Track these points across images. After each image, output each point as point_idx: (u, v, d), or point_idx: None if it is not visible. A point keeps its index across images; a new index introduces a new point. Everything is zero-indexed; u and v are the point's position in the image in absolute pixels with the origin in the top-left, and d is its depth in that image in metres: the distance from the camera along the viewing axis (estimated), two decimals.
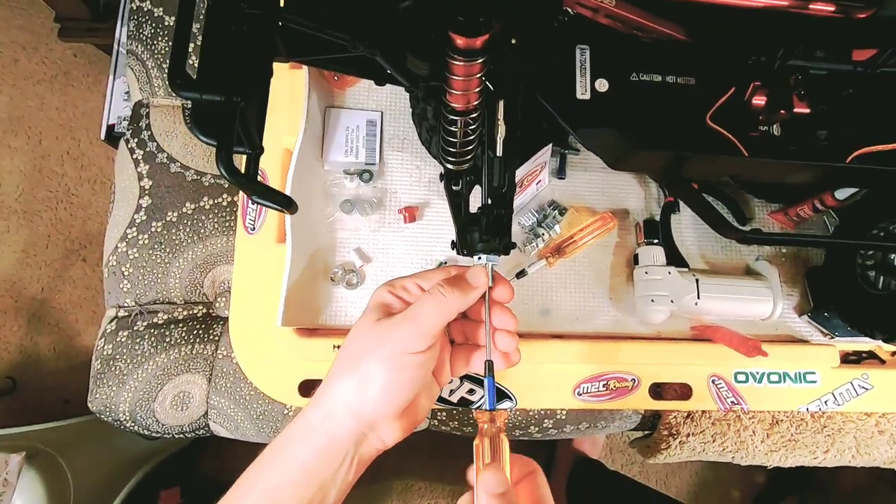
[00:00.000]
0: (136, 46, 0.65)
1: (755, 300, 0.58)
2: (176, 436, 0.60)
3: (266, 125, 0.60)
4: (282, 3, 0.33)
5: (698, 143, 0.46)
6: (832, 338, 0.60)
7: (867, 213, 0.57)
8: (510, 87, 0.41)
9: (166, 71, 0.65)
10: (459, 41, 0.33)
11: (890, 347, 0.63)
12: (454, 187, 0.48)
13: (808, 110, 0.42)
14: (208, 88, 0.31)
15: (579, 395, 0.57)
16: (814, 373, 0.59)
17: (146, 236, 0.60)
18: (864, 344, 0.62)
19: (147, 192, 0.61)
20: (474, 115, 0.39)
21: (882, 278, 0.54)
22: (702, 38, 0.45)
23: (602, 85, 0.47)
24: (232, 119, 0.30)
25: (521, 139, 0.49)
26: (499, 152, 0.41)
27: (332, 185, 0.61)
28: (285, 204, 0.33)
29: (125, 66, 0.67)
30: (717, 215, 0.43)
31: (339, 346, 0.56)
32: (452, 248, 0.48)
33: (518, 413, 0.60)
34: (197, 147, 0.63)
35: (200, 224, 0.61)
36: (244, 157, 0.35)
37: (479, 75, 0.35)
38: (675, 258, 0.60)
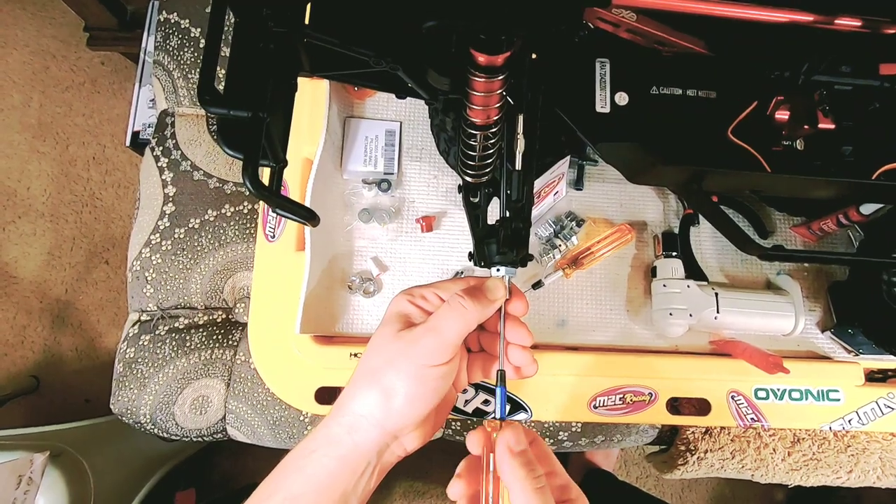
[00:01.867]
0: (163, 57, 0.67)
1: (776, 315, 0.57)
2: (194, 439, 0.61)
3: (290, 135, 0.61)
4: (307, 20, 0.34)
5: (719, 158, 0.45)
6: (856, 355, 0.59)
7: (894, 228, 0.55)
8: (530, 101, 0.42)
9: (192, 81, 0.66)
10: (481, 58, 0.33)
11: None
12: (472, 199, 0.49)
13: (832, 126, 0.41)
14: (235, 104, 0.31)
15: (595, 408, 0.57)
16: (837, 390, 0.58)
17: (169, 242, 0.62)
18: (890, 362, 0.60)
19: (171, 199, 0.63)
20: (494, 130, 0.39)
21: None
22: (724, 52, 0.45)
23: (622, 98, 0.47)
24: (258, 134, 0.31)
25: (539, 151, 0.49)
26: (518, 166, 0.41)
27: (351, 194, 0.62)
28: (308, 217, 0.33)
29: (151, 75, 0.69)
30: (738, 231, 0.43)
31: (356, 355, 0.56)
32: (469, 259, 0.48)
33: (532, 425, 0.60)
34: (219, 156, 0.64)
35: (222, 231, 0.62)
36: (268, 169, 0.36)
37: (499, 91, 0.36)
38: (694, 271, 0.59)
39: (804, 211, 0.60)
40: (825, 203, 0.57)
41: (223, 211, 0.63)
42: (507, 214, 0.43)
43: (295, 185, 0.60)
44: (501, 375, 0.42)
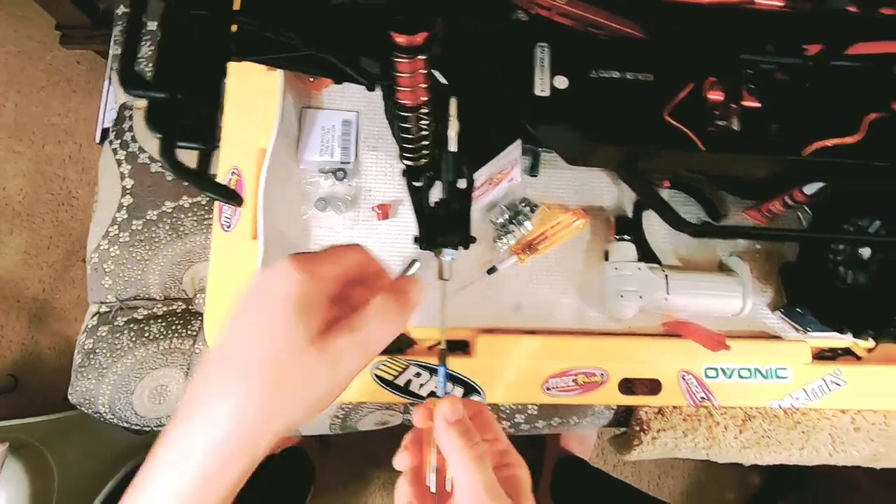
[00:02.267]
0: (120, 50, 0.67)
1: (725, 296, 0.58)
2: (155, 428, 0.62)
3: (243, 126, 0.62)
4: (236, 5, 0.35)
5: (654, 138, 0.46)
6: (805, 333, 0.60)
7: (839, 208, 0.57)
8: (465, 82, 0.42)
9: (149, 75, 0.67)
10: (400, 39, 0.34)
11: (865, 344, 0.62)
12: (415, 183, 0.50)
13: (758, 104, 0.42)
14: (154, 87, 0.32)
15: (548, 389, 0.58)
16: (785, 368, 0.59)
17: (127, 234, 0.62)
18: (839, 341, 0.62)
19: (129, 191, 0.63)
20: (425, 112, 0.40)
21: (849, 272, 0.54)
22: (657, 34, 0.46)
23: (561, 82, 0.48)
24: (174, 115, 0.32)
25: (487, 137, 0.50)
26: (452, 147, 0.42)
27: (307, 183, 0.63)
28: (228, 196, 0.34)
29: (111, 69, 0.69)
30: (668, 209, 0.43)
31: None
32: (415, 243, 0.49)
33: (489, 408, 0.61)
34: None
35: (180, 222, 0.63)
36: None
37: (423, 71, 0.36)
38: (646, 254, 0.60)
39: (754, 194, 0.61)
40: (771, 185, 0.58)
41: (181, 202, 0.63)
42: (447, 196, 0.44)
43: (250, 176, 0.61)
44: (443, 354, 0.43)
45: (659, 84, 0.48)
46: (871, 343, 0.62)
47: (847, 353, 0.63)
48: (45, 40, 1.35)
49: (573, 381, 0.58)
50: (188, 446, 0.27)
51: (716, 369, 0.59)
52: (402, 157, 0.46)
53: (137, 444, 0.80)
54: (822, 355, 0.62)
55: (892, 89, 0.45)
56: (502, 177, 0.61)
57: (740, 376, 0.58)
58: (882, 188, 0.50)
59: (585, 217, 0.62)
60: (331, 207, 0.62)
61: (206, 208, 0.64)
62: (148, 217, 0.63)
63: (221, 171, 0.61)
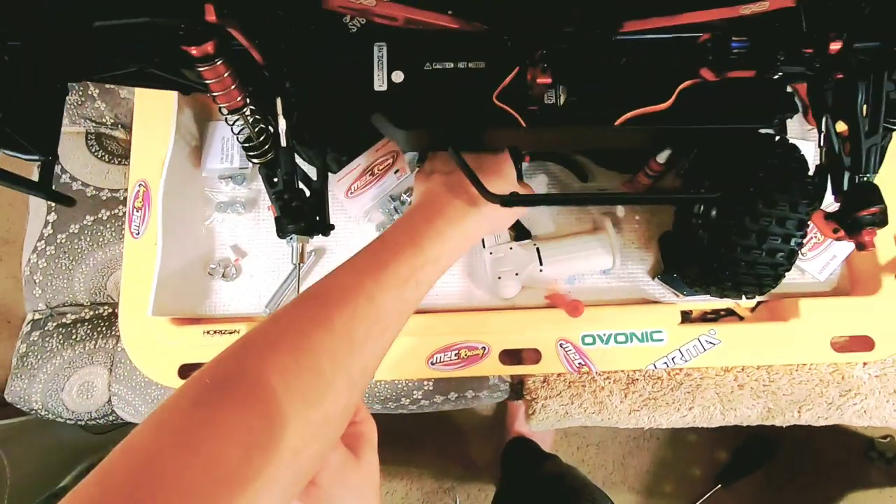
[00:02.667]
0: None
1: (595, 254, 0.61)
2: (88, 422, 0.68)
3: (148, 141, 0.68)
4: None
5: (485, 120, 0.50)
6: (682, 298, 0.62)
7: (695, 175, 0.59)
8: (295, 76, 0.47)
9: (69, 102, 0.73)
10: (193, 51, 0.38)
11: (748, 304, 0.64)
12: (274, 179, 0.54)
13: (549, 80, 0.45)
14: None
15: (433, 364, 0.61)
16: (660, 331, 0.61)
17: (53, 247, 0.68)
18: (719, 302, 0.64)
19: (53, 208, 0.70)
20: (247, 112, 0.45)
21: (705, 235, 0.56)
22: (470, 23, 0.49)
23: (398, 76, 0.52)
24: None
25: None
26: (283, 143, 0.47)
27: (210, 189, 0.68)
28: (55, 198, 0.39)
29: None
30: (477, 181, 0.47)
31: (209, 332, 0.62)
32: (278, 234, 0.54)
33: (387, 385, 0.65)
34: (95, 167, 0.71)
35: (100, 234, 0.69)
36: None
37: (228, 75, 0.41)
38: (519, 232, 0.64)
39: (618, 166, 0.64)
40: (631, 158, 0.61)
41: (100, 216, 0.69)
42: (282, 188, 0.49)
43: (155, 185, 0.66)
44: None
45: (489, 71, 0.52)
46: (752, 303, 0.64)
47: (731, 314, 0.64)
48: None
49: (456, 354, 0.62)
50: None
51: (592, 336, 0.61)
52: (250, 159, 0.51)
53: (95, 443, 0.86)
54: (706, 318, 0.64)
55: (700, 58, 0.48)
56: (385, 169, 0.65)
57: (616, 341, 0.61)
58: (698, 147, 0.53)
59: None
60: (231, 210, 0.67)
61: (124, 220, 0.70)
62: (71, 230, 0.69)
63: (131, 184, 0.66)
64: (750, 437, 1.20)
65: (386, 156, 0.64)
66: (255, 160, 0.51)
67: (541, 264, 0.61)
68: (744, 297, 0.54)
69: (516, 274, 0.61)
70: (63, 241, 0.69)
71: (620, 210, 0.66)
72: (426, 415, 0.75)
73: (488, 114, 0.50)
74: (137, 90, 0.69)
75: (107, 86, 0.74)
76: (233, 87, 0.42)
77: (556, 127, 0.49)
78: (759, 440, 1.20)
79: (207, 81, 0.41)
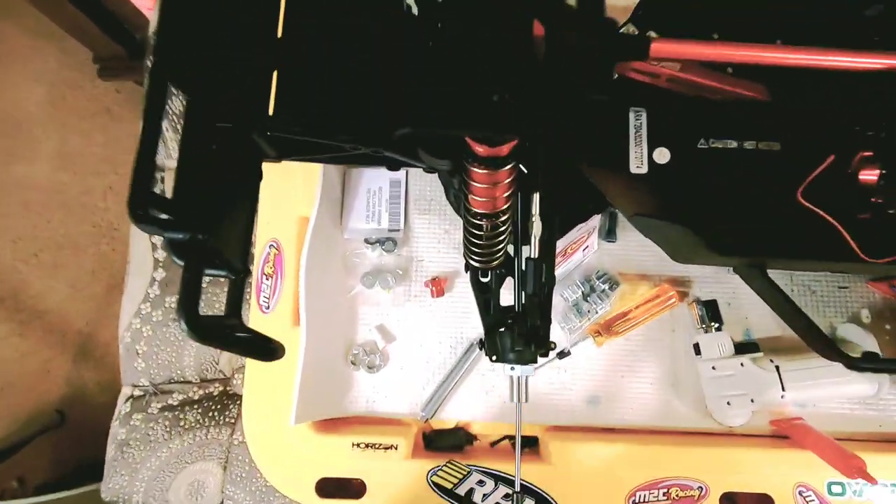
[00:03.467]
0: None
1: (853, 379, 0.48)
2: None
3: (281, 192, 0.56)
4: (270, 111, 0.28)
5: (787, 235, 0.37)
6: None
7: None
8: (549, 176, 0.34)
9: (180, 133, 0.61)
10: (479, 149, 0.26)
11: None
12: (482, 279, 0.42)
13: (875, 176, 0.32)
14: (172, 224, 0.25)
15: None
16: None
17: (160, 312, 0.57)
18: None
19: (161, 264, 0.58)
20: (503, 218, 0.32)
21: None
22: (791, 100, 0.36)
23: (662, 155, 0.39)
24: (197, 263, 0.25)
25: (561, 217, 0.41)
26: (534, 253, 0.34)
27: (353, 255, 0.56)
28: (266, 353, 0.27)
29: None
30: (821, 336, 0.34)
31: (358, 445, 0.50)
32: (480, 349, 0.41)
33: None
34: None
35: (215, 298, 0.57)
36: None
37: (507, 181, 0.28)
38: (742, 343, 0.51)
39: None
40: None
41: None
42: (522, 309, 0.36)
43: (290, 248, 0.54)
44: (517, 498, 0.36)
45: (787, 155, 0.38)
46: None
47: None
48: (83, 69, 1.34)
49: (664, 494, 0.49)
50: None
51: (842, 484, 0.48)
52: (467, 256, 0.39)
53: None
54: None
55: None
56: (577, 246, 0.52)
57: (874, 493, 0.48)
58: None
59: (676, 295, 0.52)
60: (379, 283, 0.54)
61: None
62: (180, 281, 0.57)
63: (259, 245, 0.54)
64: None
65: (583, 234, 0.51)
66: (477, 264, 0.38)
67: (783, 390, 0.48)
68: None
69: (752, 401, 0.48)
70: (172, 305, 0.57)
71: (866, 315, 0.52)
72: None
73: (793, 217, 0.37)
74: None
75: None
76: (505, 193, 0.29)
77: None
78: None
79: (476, 185, 0.28)
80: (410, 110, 0.22)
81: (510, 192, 0.30)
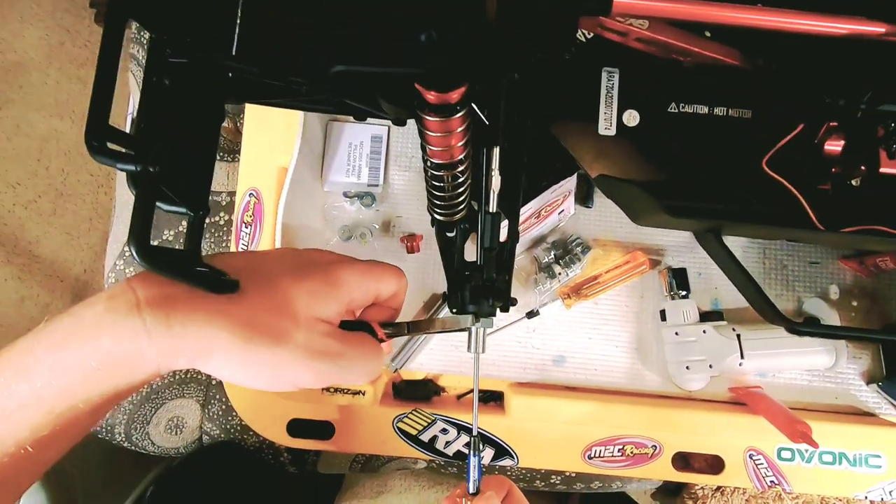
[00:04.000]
0: (137, 50, 0.62)
1: (812, 350, 0.49)
2: (174, 455, 0.59)
3: (261, 142, 0.56)
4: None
5: (747, 200, 0.37)
6: None
7: None
8: (510, 129, 0.34)
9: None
10: (430, 96, 0.26)
11: None
12: (448, 234, 0.42)
13: (838, 147, 0.32)
14: (125, 156, 0.26)
15: (590, 458, 0.51)
16: (879, 456, 0.50)
17: None
18: None
19: None
20: (461, 168, 0.33)
21: None
22: (765, 66, 0.36)
23: (632, 118, 0.39)
24: (148, 193, 0.26)
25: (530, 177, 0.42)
26: (492, 208, 0.35)
27: (331, 208, 0.56)
28: (220, 287, 0.28)
29: (128, 70, 0.64)
30: (765, 300, 0.35)
31: (328, 389, 0.52)
32: (443, 302, 0.42)
33: (521, 469, 0.55)
34: None
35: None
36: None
37: (460, 129, 0.29)
38: (708, 312, 0.51)
39: None
40: None
41: None
42: (482, 262, 0.37)
43: (270, 197, 0.55)
44: (475, 442, 0.38)
45: (757, 123, 0.38)
46: None
47: None
48: (82, 13, 1.32)
49: (619, 450, 0.51)
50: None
51: (791, 450, 0.50)
52: (431, 210, 0.39)
53: None
54: None
55: None
56: (552, 209, 0.53)
57: (821, 461, 0.50)
58: None
59: (647, 262, 0.53)
60: (356, 237, 0.55)
61: (225, 229, 0.59)
62: (164, 237, 0.59)
63: (239, 193, 0.55)
64: None
65: (558, 196, 0.51)
66: (442, 217, 0.39)
67: (741, 357, 0.49)
68: None
69: (710, 366, 0.49)
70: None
71: (834, 291, 0.53)
72: None
73: (755, 185, 0.37)
74: None
75: None
76: (460, 142, 0.30)
77: (861, 227, 0.36)
78: None
79: (430, 133, 0.28)
80: (344, 48, 0.22)
81: (465, 140, 0.30)
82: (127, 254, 0.58)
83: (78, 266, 1.26)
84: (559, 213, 0.54)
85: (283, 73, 0.26)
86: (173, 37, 0.26)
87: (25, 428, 0.24)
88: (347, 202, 0.56)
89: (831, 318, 0.49)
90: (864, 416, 0.51)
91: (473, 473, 0.37)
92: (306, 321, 0.28)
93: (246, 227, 0.55)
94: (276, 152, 0.55)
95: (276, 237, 0.52)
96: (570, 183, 0.51)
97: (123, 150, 0.27)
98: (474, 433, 0.37)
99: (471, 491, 0.37)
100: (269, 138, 0.55)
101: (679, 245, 0.54)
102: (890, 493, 0.49)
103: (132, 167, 0.26)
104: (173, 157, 0.28)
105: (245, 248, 0.55)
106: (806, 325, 0.34)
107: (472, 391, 0.56)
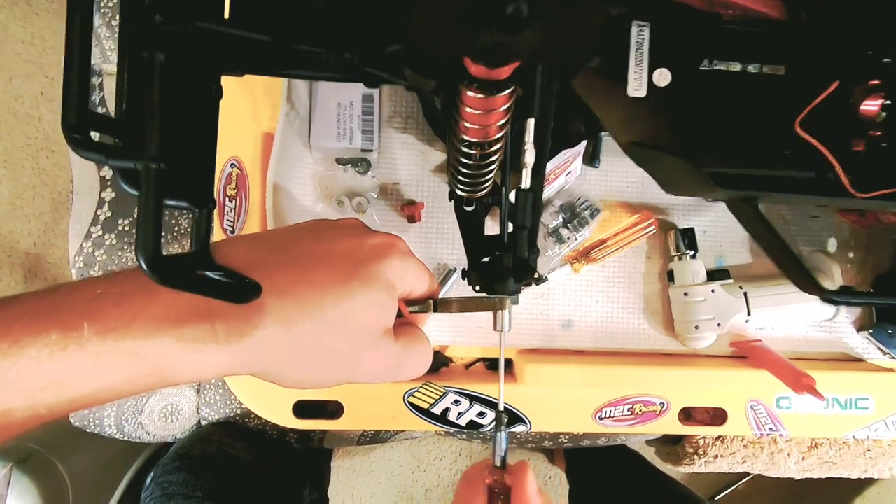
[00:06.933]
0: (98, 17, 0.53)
1: (815, 304, 0.50)
2: (170, 442, 0.57)
3: (242, 105, 0.50)
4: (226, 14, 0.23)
5: (780, 165, 0.35)
6: (892, 358, 0.53)
7: None
8: (544, 97, 0.31)
9: (117, 32, 0.53)
10: (475, 69, 0.22)
11: None
12: (466, 208, 0.40)
13: (876, 107, 0.31)
14: (120, 151, 0.22)
15: (601, 419, 0.52)
16: (867, 398, 0.53)
17: (113, 235, 0.53)
18: None
19: (109, 183, 0.53)
20: (496, 147, 0.30)
21: None
22: (808, 19, 0.33)
23: (663, 77, 0.36)
24: (156, 199, 0.22)
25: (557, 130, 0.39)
26: (525, 184, 0.32)
27: (322, 176, 0.52)
28: (245, 294, 0.25)
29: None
30: (801, 270, 0.34)
31: None
32: (463, 278, 0.40)
33: (531, 434, 0.56)
34: None
35: (174, 221, 0.53)
36: None
37: (504, 108, 0.25)
38: (714, 270, 0.52)
39: None
40: None
41: None
42: (510, 240, 0.35)
43: (254, 168, 0.50)
44: (499, 418, 0.37)
45: (791, 80, 0.36)
46: None
47: None
48: None
49: (629, 409, 0.52)
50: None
51: (789, 398, 0.52)
52: (452, 184, 0.36)
53: None
54: None
55: None
56: (560, 171, 0.50)
57: (815, 407, 0.52)
58: None
59: (655, 223, 0.52)
60: (350, 207, 0.52)
61: None
62: (136, 215, 0.53)
63: (218, 165, 0.50)
64: None
65: (567, 158, 0.49)
66: (465, 193, 0.36)
67: (748, 314, 0.50)
68: None
69: (718, 324, 0.50)
70: (126, 228, 0.53)
71: (832, 244, 0.54)
72: None
73: (790, 154, 0.36)
74: None
75: None
76: (499, 122, 0.26)
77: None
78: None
79: (469, 110, 0.25)
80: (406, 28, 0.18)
81: (506, 119, 0.27)
82: (95, 235, 0.53)
83: (27, 238, 1.16)
84: (566, 175, 0.52)
85: (307, 41, 0.22)
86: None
87: (43, 405, 0.22)
88: (340, 169, 0.52)
89: (834, 272, 0.50)
90: (854, 361, 0.54)
91: (501, 448, 0.37)
92: (368, 338, 0.27)
93: (230, 202, 0.50)
94: (259, 116, 0.49)
95: (267, 215, 0.48)
96: (582, 144, 0.49)
97: (112, 143, 0.23)
98: (500, 408, 0.37)
99: (497, 465, 0.37)
100: (249, 100, 0.49)
101: (685, 204, 0.53)
102: (875, 430, 0.53)
103: (130, 164, 0.21)
104: (171, 146, 0.24)
105: (231, 223, 0.50)
106: (841, 294, 0.34)
107: (479, 360, 0.55)
